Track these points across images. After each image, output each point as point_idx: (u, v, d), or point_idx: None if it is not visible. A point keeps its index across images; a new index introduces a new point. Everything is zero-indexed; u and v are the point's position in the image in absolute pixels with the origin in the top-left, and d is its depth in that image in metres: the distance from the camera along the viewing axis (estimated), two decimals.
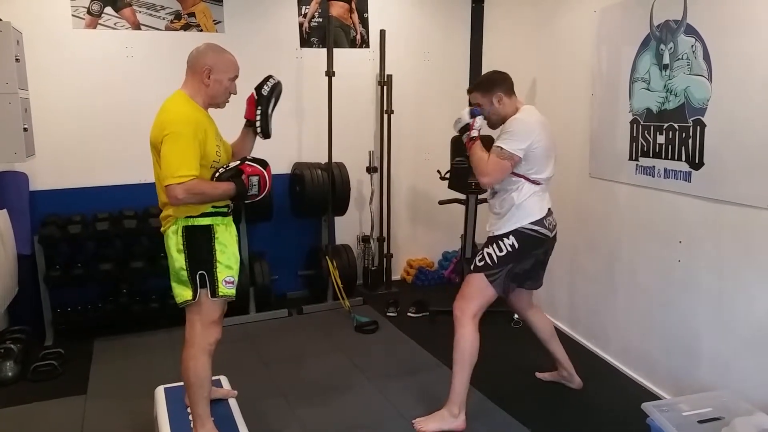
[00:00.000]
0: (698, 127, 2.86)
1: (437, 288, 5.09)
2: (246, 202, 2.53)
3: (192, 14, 4.46)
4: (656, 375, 3.24)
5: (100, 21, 4.24)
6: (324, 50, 4.57)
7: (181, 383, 2.61)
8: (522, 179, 2.82)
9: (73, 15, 4.16)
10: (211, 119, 2.50)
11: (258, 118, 2.58)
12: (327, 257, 4.52)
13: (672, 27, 2.99)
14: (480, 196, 4.15)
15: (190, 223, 2.40)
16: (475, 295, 2.87)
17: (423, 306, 4.50)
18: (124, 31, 4.31)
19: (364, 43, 4.99)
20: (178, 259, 2.40)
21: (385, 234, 5.10)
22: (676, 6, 2.94)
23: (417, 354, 3.79)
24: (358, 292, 4.84)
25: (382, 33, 4.84)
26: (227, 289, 2.45)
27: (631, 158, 3.34)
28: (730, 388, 2.70)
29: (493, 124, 2.91)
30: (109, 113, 4.29)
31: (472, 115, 2.85)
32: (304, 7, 4.77)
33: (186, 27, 4.45)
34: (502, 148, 2.74)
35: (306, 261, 4.93)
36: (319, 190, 4.46)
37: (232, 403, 2.79)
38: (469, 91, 2.99)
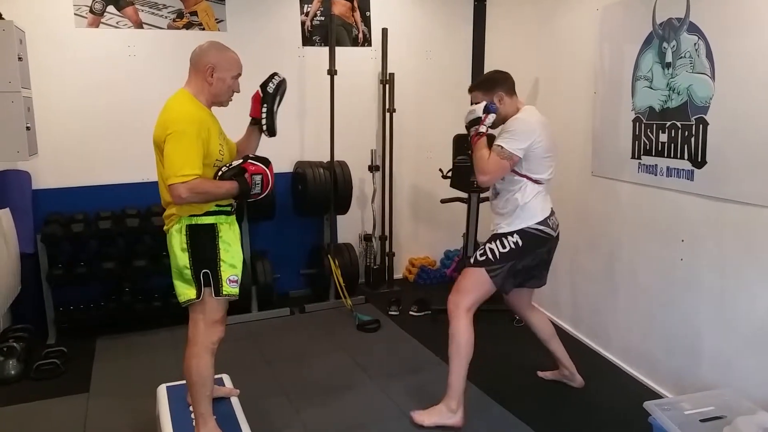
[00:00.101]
0: (701, 126, 2.85)
1: (439, 287, 5.09)
2: (249, 200, 2.53)
3: (194, 13, 4.46)
4: (658, 373, 3.24)
5: (102, 20, 4.24)
6: (326, 49, 4.56)
7: (184, 382, 2.61)
8: (525, 179, 2.82)
9: (75, 14, 4.16)
10: (215, 118, 2.50)
11: (263, 115, 2.58)
12: (329, 256, 4.52)
13: (675, 25, 2.99)
14: (482, 195, 4.15)
15: (193, 222, 2.40)
16: (472, 289, 2.87)
17: (425, 305, 4.50)
18: (127, 30, 4.31)
19: (366, 41, 4.98)
20: (181, 257, 2.40)
21: (387, 232, 5.10)
22: (679, 4, 2.93)
23: (419, 353, 3.79)
24: (360, 291, 4.84)
25: (384, 31, 4.83)
26: (231, 288, 2.45)
27: (633, 157, 3.33)
28: (733, 386, 2.70)
29: (494, 124, 2.91)
30: (111, 112, 4.30)
31: (486, 111, 2.82)
32: (306, 6, 4.77)
33: (188, 26, 4.46)
34: (502, 147, 2.74)
35: (308, 260, 4.94)
36: (321, 189, 4.46)
37: (235, 401, 2.80)
38: (470, 90, 2.98)
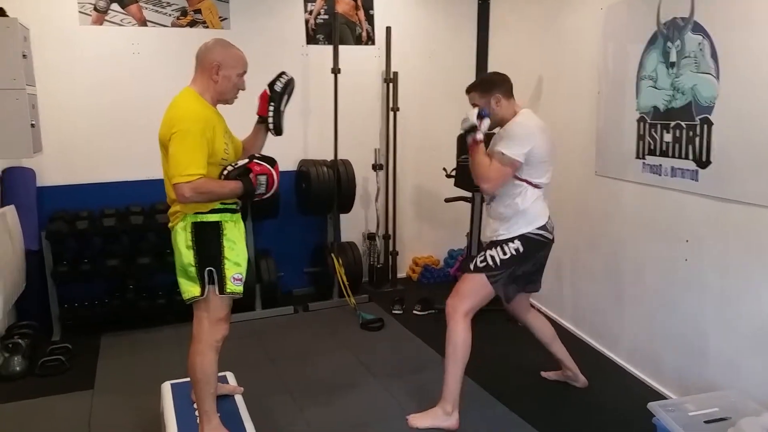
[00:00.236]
0: (705, 126, 2.84)
1: (443, 286, 5.08)
2: (254, 200, 2.53)
3: (198, 11, 4.46)
4: (662, 374, 3.23)
5: (106, 17, 4.25)
6: (330, 47, 4.57)
7: (188, 379, 2.62)
8: (525, 183, 2.81)
9: (80, 11, 4.17)
10: (220, 116, 2.51)
11: (270, 114, 2.58)
12: (333, 254, 4.53)
13: (679, 24, 2.98)
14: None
15: (199, 220, 2.40)
16: (471, 294, 2.87)
17: (428, 304, 4.50)
18: (131, 28, 4.32)
19: (370, 40, 4.98)
20: (186, 255, 2.41)
21: (390, 231, 5.10)
22: (684, 3, 2.93)
23: (422, 351, 3.80)
24: (363, 290, 4.85)
25: (388, 30, 4.83)
26: (235, 286, 2.45)
27: (637, 156, 3.33)
28: (737, 387, 2.70)
29: (491, 126, 2.89)
30: (115, 109, 4.31)
31: (480, 116, 2.78)
32: (309, 4, 4.77)
33: (192, 23, 4.46)
34: (503, 153, 2.73)
35: (312, 258, 4.94)
36: (324, 188, 4.46)
37: (239, 399, 2.80)
38: (468, 91, 2.97)
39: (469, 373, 3.31)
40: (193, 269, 2.40)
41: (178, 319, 3.99)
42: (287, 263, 4.70)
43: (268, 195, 2.50)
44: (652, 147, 3.22)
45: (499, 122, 2.86)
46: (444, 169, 4.47)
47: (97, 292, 4.15)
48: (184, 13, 4.43)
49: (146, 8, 4.34)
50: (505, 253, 2.82)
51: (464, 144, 2.95)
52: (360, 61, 4.91)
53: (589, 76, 3.75)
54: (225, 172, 2.41)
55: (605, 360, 3.64)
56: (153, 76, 4.32)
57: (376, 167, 4.95)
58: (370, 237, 5.10)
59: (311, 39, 4.81)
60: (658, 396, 3.14)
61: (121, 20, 4.28)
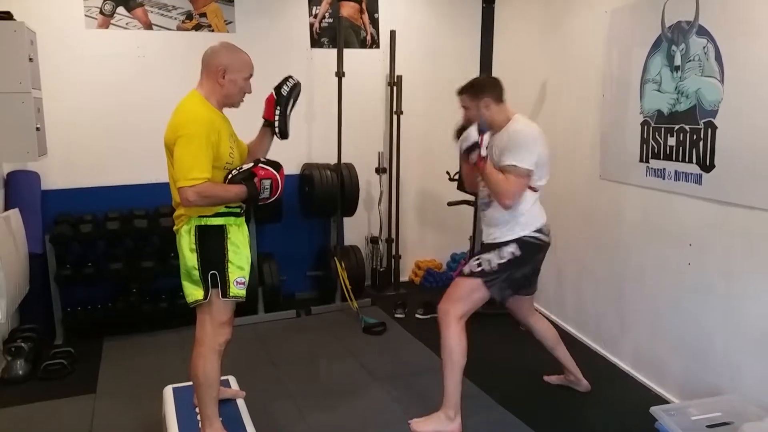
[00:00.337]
0: (709, 129, 2.84)
1: (445, 290, 5.05)
2: (258, 204, 2.53)
3: (203, 14, 4.48)
4: (665, 378, 3.22)
5: (112, 21, 4.27)
6: (334, 50, 4.57)
7: (190, 383, 2.61)
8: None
9: (86, 15, 4.19)
10: (226, 120, 2.51)
11: (277, 118, 2.59)
12: (335, 258, 4.53)
13: (684, 28, 2.97)
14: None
15: (203, 223, 2.40)
16: (463, 298, 2.85)
17: (431, 308, 4.48)
18: (136, 31, 4.33)
19: (375, 43, 4.99)
20: (190, 258, 2.41)
21: (393, 235, 5.09)
22: (689, 7, 2.92)
23: (425, 356, 3.79)
24: (366, 293, 4.84)
25: (393, 33, 4.84)
26: (238, 290, 2.45)
27: (641, 160, 3.32)
28: (740, 392, 2.69)
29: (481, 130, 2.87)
30: (120, 113, 4.32)
31: (481, 132, 2.72)
32: (314, 8, 4.78)
33: (197, 27, 4.47)
34: (516, 165, 2.70)
35: (314, 262, 4.94)
36: (328, 191, 4.47)
37: (241, 403, 2.79)
38: (459, 93, 2.96)
39: (472, 376, 3.32)
40: (196, 272, 2.40)
41: (181, 323, 4.00)
42: (290, 267, 4.70)
43: (272, 199, 2.50)
44: (656, 151, 3.21)
45: (488, 127, 2.81)
46: (447, 172, 4.47)
47: (100, 296, 4.16)
48: (189, 16, 4.44)
49: (152, 12, 4.35)
50: (502, 257, 2.80)
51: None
52: (364, 65, 4.92)
53: (593, 80, 3.75)
54: (230, 176, 2.42)
55: (608, 364, 3.62)
56: (158, 79, 4.33)
57: (379, 171, 4.96)
58: (373, 240, 5.10)
59: (316, 42, 4.82)
60: (661, 400, 3.12)
61: (126, 24, 4.30)
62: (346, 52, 4.61)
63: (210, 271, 2.40)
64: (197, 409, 2.59)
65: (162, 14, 4.38)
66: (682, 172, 3.02)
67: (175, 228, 2.49)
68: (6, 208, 3.77)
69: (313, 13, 4.79)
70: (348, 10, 4.86)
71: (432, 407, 2.94)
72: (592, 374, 3.32)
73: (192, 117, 2.34)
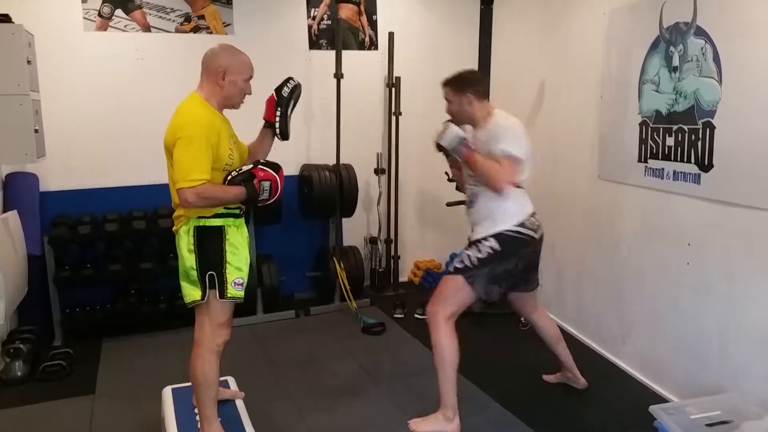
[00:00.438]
0: (708, 129, 2.84)
1: None
2: (258, 206, 2.54)
3: (202, 17, 4.48)
4: (664, 378, 3.22)
5: (110, 23, 4.27)
6: (333, 52, 4.58)
7: (189, 384, 2.61)
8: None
9: (84, 17, 4.19)
10: (226, 121, 2.52)
11: (277, 119, 2.60)
12: (334, 258, 4.53)
13: (682, 29, 2.98)
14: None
15: (201, 224, 2.41)
16: (449, 298, 2.84)
17: None
18: (135, 34, 4.33)
19: (373, 45, 4.99)
20: (188, 258, 2.41)
21: (392, 235, 5.09)
22: (687, 8, 2.93)
23: (424, 356, 3.77)
24: (365, 294, 4.84)
25: (391, 35, 4.84)
26: (236, 291, 2.45)
27: (640, 160, 3.32)
28: (739, 391, 2.69)
29: (457, 123, 2.88)
30: (119, 115, 4.32)
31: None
32: (313, 10, 4.79)
33: (196, 29, 4.48)
34: (511, 153, 2.72)
35: (313, 262, 4.94)
36: (327, 192, 4.47)
37: (239, 404, 2.80)
38: (443, 85, 2.96)
39: (472, 376, 3.32)
40: (194, 273, 2.41)
41: (180, 324, 3.99)
42: (289, 267, 4.70)
43: (271, 201, 2.50)
44: (654, 151, 3.22)
45: (467, 121, 2.85)
46: (446, 173, 4.44)
47: (98, 297, 4.15)
48: (187, 18, 4.45)
49: (150, 14, 4.35)
50: (480, 252, 2.79)
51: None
52: (363, 66, 4.92)
53: (592, 81, 3.75)
54: (229, 178, 2.42)
55: (607, 363, 3.62)
56: (156, 81, 4.33)
57: (378, 171, 4.96)
58: (372, 241, 5.10)
59: (314, 44, 4.82)
60: (660, 399, 3.12)
61: (125, 26, 4.30)
62: (345, 53, 4.62)
63: (208, 272, 2.41)
64: (196, 410, 2.60)
65: (160, 17, 4.39)
66: (681, 172, 3.03)
67: (174, 228, 2.50)
68: (4, 210, 3.76)
69: (312, 14, 4.79)
70: (346, 11, 4.86)
71: (431, 407, 2.93)
72: (592, 373, 3.33)
73: (192, 119, 2.35)
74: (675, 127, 3.06)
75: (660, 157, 3.17)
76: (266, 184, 2.44)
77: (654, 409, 2.53)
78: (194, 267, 2.40)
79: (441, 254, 5.44)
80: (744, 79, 2.65)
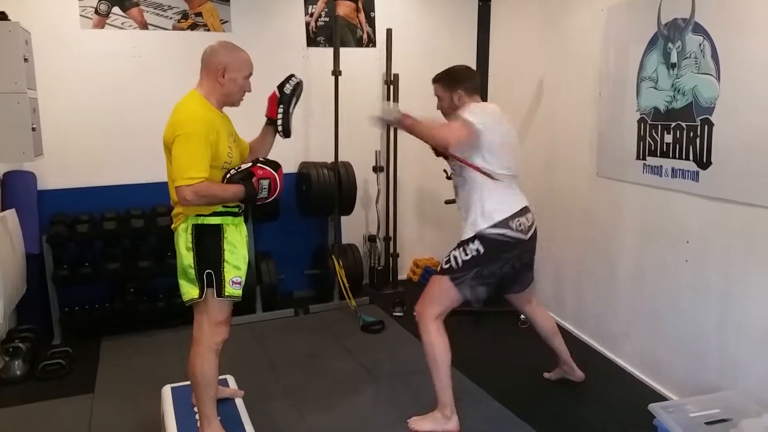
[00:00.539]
0: (706, 127, 2.84)
1: None
2: (257, 204, 2.53)
3: (199, 14, 4.47)
4: (663, 376, 3.22)
5: (107, 21, 4.26)
6: (330, 49, 4.57)
7: (188, 382, 2.61)
8: (479, 174, 2.75)
9: (81, 15, 4.18)
10: (226, 119, 2.51)
11: (280, 116, 2.60)
12: (333, 257, 4.52)
13: (680, 25, 2.98)
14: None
15: (200, 222, 2.40)
16: (437, 297, 2.84)
17: None
18: (132, 31, 4.32)
19: (371, 42, 4.99)
20: (186, 256, 2.41)
21: (391, 233, 5.09)
22: (685, 4, 2.92)
23: (423, 354, 3.78)
24: (364, 292, 4.84)
25: (389, 32, 4.83)
26: (234, 290, 2.45)
27: (638, 158, 3.32)
28: (738, 389, 2.69)
29: (448, 120, 2.87)
30: (116, 113, 4.31)
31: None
32: (310, 7, 4.77)
33: (193, 26, 4.47)
34: (465, 118, 2.68)
35: (312, 260, 4.94)
36: (325, 190, 4.46)
37: (239, 402, 2.80)
38: (434, 81, 2.95)
39: (471, 374, 3.33)
40: (192, 271, 2.40)
41: (179, 323, 3.99)
42: (288, 265, 4.69)
43: (270, 199, 2.50)
44: (652, 148, 3.21)
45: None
46: (444, 171, 4.43)
47: (97, 296, 4.15)
48: (185, 16, 4.43)
49: (147, 11, 4.34)
50: (466, 254, 2.76)
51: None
52: (361, 64, 4.92)
53: (590, 78, 3.75)
54: (228, 176, 2.42)
55: (606, 361, 3.62)
56: (154, 79, 4.32)
57: (376, 169, 4.95)
58: (371, 239, 5.10)
59: (312, 41, 4.81)
60: (659, 397, 3.13)
61: (122, 23, 4.29)
62: (343, 51, 4.61)
63: (206, 270, 2.40)
64: (195, 409, 2.59)
65: (157, 14, 4.37)
66: (679, 169, 3.03)
67: (172, 226, 2.49)
68: (2, 209, 3.75)
69: (309, 12, 4.78)
70: (344, 8, 4.85)
71: (431, 406, 2.94)
72: (591, 371, 3.33)
73: (191, 116, 2.34)
74: (673, 124, 3.06)
75: (658, 155, 3.17)
76: (265, 183, 2.44)
77: (653, 407, 2.53)
78: (192, 265, 2.40)
79: (440, 252, 5.40)
80: (742, 75, 2.64)
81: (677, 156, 3.04)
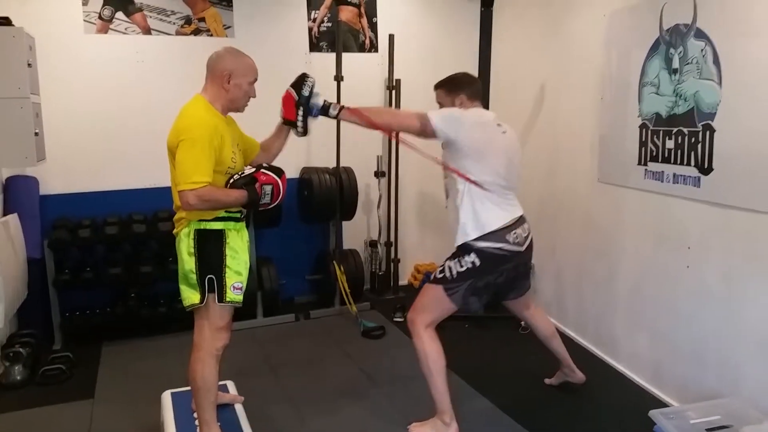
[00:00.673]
0: (708, 132, 2.83)
1: None
2: (259, 210, 2.54)
3: (202, 19, 4.48)
4: (664, 382, 3.21)
5: (111, 26, 4.27)
6: (333, 55, 4.57)
7: (188, 388, 2.61)
8: (463, 180, 2.71)
9: (84, 20, 4.20)
10: (231, 124, 2.53)
11: (300, 118, 2.61)
12: (334, 262, 4.52)
13: (682, 31, 2.98)
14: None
15: (202, 227, 2.41)
16: (429, 307, 2.83)
17: None
18: (135, 36, 4.34)
19: (373, 47, 4.99)
20: (188, 261, 2.41)
21: (392, 239, 5.09)
22: (686, 10, 2.92)
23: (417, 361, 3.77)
24: (365, 297, 4.84)
25: (391, 37, 4.84)
26: (235, 295, 2.45)
27: (639, 163, 3.32)
28: (739, 395, 2.68)
29: None
30: (119, 118, 4.32)
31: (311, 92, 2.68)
32: (313, 12, 4.79)
33: (196, 32, 4.48)
34: (425, 114, 2.67)
35: (313, 265, 4.94)
36: (327, 195, 4.46)
37: (239, 408, 2.80)
38: (435, 87, 2.95)
39: (471, 380, 3.33)
40: (193, 276, 2.41)
41: (180, 328, 3.98)
42: (289, 271, 4.69)
43: (272, 205, 2.50)
44: (654, 154, 3.21)
45: None
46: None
47: (98, 301, 4.15)
48: (188, 21, 4.45)
49: (150, 17, 4.35)
50: (461, 266, 2.74)
51: None
52: (363, 69, 4.92)
53: (591, 83, 3.75)
54: (231, 181, 2.42)
55: (607, 367, 3.61)
56: (157, 84, 4.33)
57: (378, 174, 4.95)
58: (372, 244, 5.09)
59: (314, 46, 4.82)
60: (660, 404, 3.11)
61: (125, 29, 4.30)
62: (345, 56, 4.62)
63: (207, 276, 2.41)
64: (195, 414, 2.59)
65: (161, 19, 4.39)
66: (681, 175, 3.02)
67: (174, 231, 2.50)
68: (5, 213, 3.76)
69: (312, 17, 4.79)
70: (347, 14, 4.87)
71: (431, 411, 2.93)
72: (592, 377, 3.32)
73: (195, 121, 2.35)
74: (675, 130, 3.05)
75: (660, 160, 3.16)
76: (268, 189, 2.44)
77: (654, 413, 2.52)
78: (194, 270, 2.40)
79: (441, 257, 5.32)
80: (744, 81, 2.64)
81: (679, 162, 3.03)
